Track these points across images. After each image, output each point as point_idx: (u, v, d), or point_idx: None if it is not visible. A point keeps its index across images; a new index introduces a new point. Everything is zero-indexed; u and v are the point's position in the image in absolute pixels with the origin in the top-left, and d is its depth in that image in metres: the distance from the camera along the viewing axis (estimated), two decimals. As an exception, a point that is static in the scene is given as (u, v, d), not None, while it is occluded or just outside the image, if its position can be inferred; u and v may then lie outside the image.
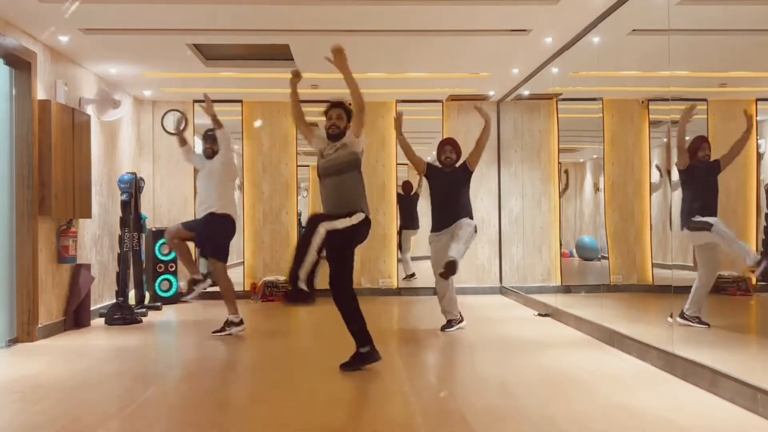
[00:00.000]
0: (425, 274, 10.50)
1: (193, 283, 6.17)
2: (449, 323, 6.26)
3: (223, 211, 6.14)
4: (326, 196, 4.84)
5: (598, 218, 9.60)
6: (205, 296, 6.77)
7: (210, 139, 6.39)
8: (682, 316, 5.72)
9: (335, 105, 5.03)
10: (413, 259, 10.93)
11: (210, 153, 6.35)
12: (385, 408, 3.95)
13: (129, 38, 6.39)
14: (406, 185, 10.70)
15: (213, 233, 6.14)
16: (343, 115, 4.96)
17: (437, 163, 6.51)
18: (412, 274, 10.26)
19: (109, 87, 7.64)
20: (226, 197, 6.24)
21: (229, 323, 6.14)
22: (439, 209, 6.27)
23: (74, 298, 6.69)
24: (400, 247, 10.60)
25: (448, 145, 6.39)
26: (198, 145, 9.39)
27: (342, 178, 4.83)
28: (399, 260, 9.82)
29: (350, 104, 4.95)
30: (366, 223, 4.76)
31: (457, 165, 6.37)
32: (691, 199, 5.95)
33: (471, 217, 6.24)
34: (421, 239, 10.96)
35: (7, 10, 5.54)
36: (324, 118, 4.98)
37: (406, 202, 10.51)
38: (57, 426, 3.55)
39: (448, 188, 6.23)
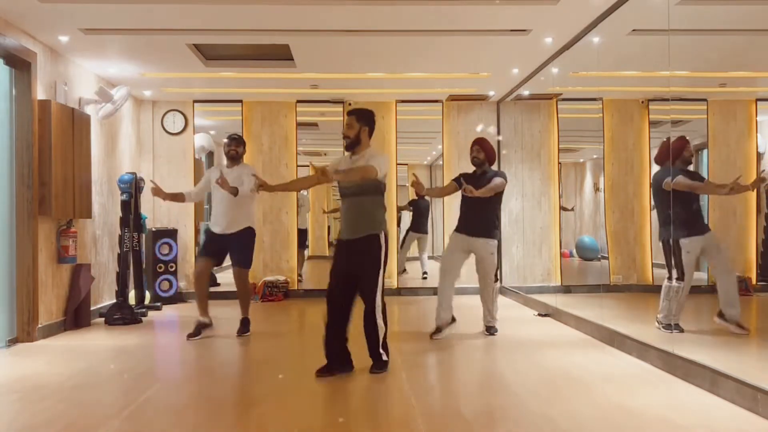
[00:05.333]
0: (418, 275, 10.58)
1: (203, 326, 6.16)
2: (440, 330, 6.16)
3: (252, 225, 6.31)
4: (345, 216, 4.77)
5: (598, 218, 9.61)
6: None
7: (236, 141, 6.30)
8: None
9: (348, 113, 4.87)
10: (409, 259, 11.02)
11: (234, 154, 6.24)
12: (385, 408, 3.95)
13: (129, 38, 6.38)
14: (417, 187, 10.72)
15: (250, 244, 6.29)
16: (354, 123, 4.75)
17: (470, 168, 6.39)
18: (404, 270, 10.36)
19: (108, 87, 7.64)
20: (252, 212, 6.37)
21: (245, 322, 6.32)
22: (465, 211, 6.18)
23: (74, 298, 6.70)
24: (402, 244, 10.72)
25: (476, 145, 6.25)
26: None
27: (361, 199, 4.74)
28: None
29: (361, 110, 4.87)
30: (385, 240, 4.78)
31: (489, 172, 6.20)
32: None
33: (493, 233, 6.12)
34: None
35: (7, 10, 5.54)
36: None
37: (416, 205, 10.61)
38: (57, 426, 3.55)
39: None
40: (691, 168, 5.84)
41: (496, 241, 6.19)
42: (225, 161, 6.38)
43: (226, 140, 6.34)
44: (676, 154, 5.76)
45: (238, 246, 6.20)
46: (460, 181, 6.16)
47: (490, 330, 6.20)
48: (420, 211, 10.78)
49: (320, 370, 4.64)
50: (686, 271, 5.63)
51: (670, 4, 4.92)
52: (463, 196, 6.13)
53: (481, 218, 6.10)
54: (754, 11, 5.77)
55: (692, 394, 4.07)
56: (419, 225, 10.66)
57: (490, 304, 6.23)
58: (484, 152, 6.22)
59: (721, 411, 3.73)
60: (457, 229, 6.23)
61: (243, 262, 6.24)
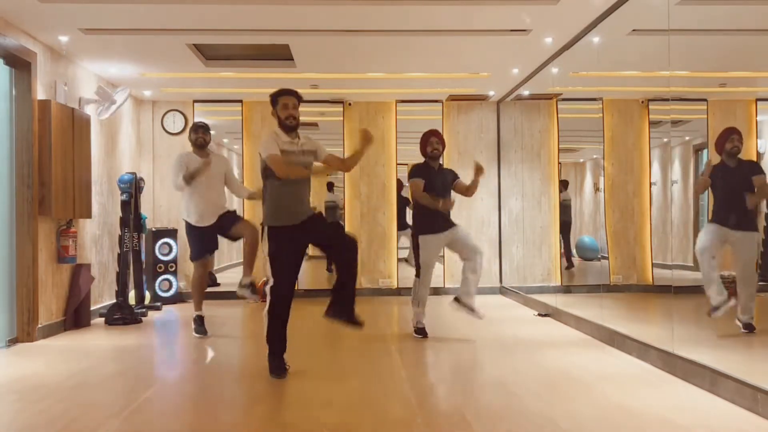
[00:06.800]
0: (408, 275, 10.50)
1: (199, 321, 6.17)
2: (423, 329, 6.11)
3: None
4: (300, 199, 4.62)
5: (598, 218, 9.61)
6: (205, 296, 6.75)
7: (203, 129, 6.26)
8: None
9: (289, 93, 4.60)
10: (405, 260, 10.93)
11: (203, 143, 6.22)
12: (385, 408, 3.95)
13: (129, 38, 6.38)
14: (396, 184, 10.67)
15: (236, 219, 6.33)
16: (297, 104, 4.59)
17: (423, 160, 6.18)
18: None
19: (109, 87, 7.63)
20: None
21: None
22: (431, 209, 5.93)
23: (74, 298, 6.69)
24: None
25: (434, 137, 6.07)
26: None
27: (308, 184, 4.72)
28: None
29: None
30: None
31: (445, 167, 6.10)
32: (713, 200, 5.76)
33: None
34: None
35: (7, 10, 5.53)
36: (276, 108, 4.60)
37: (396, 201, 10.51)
38: (57, 426, 3.55)
39: (437, 188, 5.97)
40: (740, 157, 5.66)
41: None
42: (191, 149, 6.32)
43: (192, 129, 6.31)
44: (719, 147, 5.72)
45: (231, 219, 6.21)
46: (422, 175, 6.01)
47: (474, 312, 6.00)
48: (399, 206, 10.56)
49: (283, 371, 4.57)
50: (698, 242, 5.77)
51: (670, 4, 4.92)
52: (426, 191, 5.99)
53: (447, 213, 6.01)
54: (754, 11, 5.76)
55: (692, 394, 4.07)
56: (400, 221, 10.47)
57: (477, 278, 6.02)
58: (441, 144, 6.09)
59: (721, 411, 3.73)
60: (428, 231, 5.95)
61: (242, 218, 6.31)
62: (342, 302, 4.59)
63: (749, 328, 5.59)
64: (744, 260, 5.70)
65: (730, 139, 5.65)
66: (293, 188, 4.55)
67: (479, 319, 6.07)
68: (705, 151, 8.22)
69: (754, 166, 5.77)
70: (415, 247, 6.07)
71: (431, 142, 6.05)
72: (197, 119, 6.39)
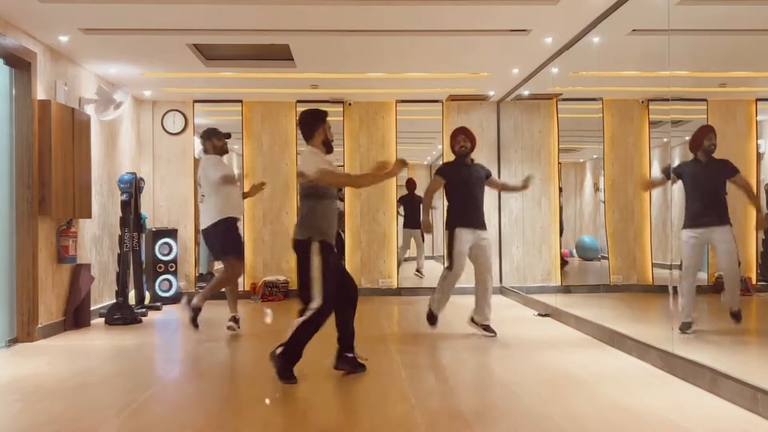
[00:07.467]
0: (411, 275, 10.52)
1: (235, 321, 6.28)
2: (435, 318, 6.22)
3: None
4: (332, 218, 4.63)
5: (598, 218, 9.61)
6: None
7: (227, 136, 6.42)
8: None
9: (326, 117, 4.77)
10: (406, 260, 10.93)
11: (227, 150, 6.42)
12: (385, 408, 3.95)
13: (129, 38, 6.38)
14: (410, 183, 10.71)
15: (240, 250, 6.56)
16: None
17: (452, 157, 6.34)
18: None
19: (109, 87, 7.63)
20: None
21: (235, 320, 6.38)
22: (465, 203, 6.04)
23: (74, 298, 6.69)
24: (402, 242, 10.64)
25: (462, 134, 6.18)
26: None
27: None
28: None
29: None
30: None
31: (476, 161, 6.24)
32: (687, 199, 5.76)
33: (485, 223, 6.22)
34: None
35: (7, 10, 5.54)
36: (323, 126, 4.67)
37: (409, 200, 10.52)
38: (57, 426, 3.55)
39: (471, 182, 6.08)
40: (715, 156, 5.69)
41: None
42: (209, 155, 6.39)
43: (215, 135, 6.38)
44: (696, 145, 5.76)
45: (239, 243, 6.48)
46: (447, 174, 6.14)
47: (490, 329, 6.16)
48: (413, 205, 10.63)
49: (294, 379, 4.53)
50: (683, 259, 5.69)
51: (670, 4, 4.92)
52: (452, 191, 6.12)
53: (481, 210, 6.13)
54: (754, 11, 5.77)
55: (692, 395, 4.07)
56: (414, 220, 10.50)
57: (490, 297, 6.13)
58: (470, 141, 6.16)
59: (722, 411, 3.73)
60: (463, 225, 6.03)
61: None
62: (347, 352, 4.74)
63: (737, 317, 5.62)
64: (726, 252, 5.70)
65: (708, 136, 5.68)
66: (334, 206, 4.65)
67: (492, 336, 6.08)
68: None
69: (727, 165, 5.70)
70: (450, 240, 6.13)
71: (459, 140, 6.17)
72: (202, 122, 6.51)
